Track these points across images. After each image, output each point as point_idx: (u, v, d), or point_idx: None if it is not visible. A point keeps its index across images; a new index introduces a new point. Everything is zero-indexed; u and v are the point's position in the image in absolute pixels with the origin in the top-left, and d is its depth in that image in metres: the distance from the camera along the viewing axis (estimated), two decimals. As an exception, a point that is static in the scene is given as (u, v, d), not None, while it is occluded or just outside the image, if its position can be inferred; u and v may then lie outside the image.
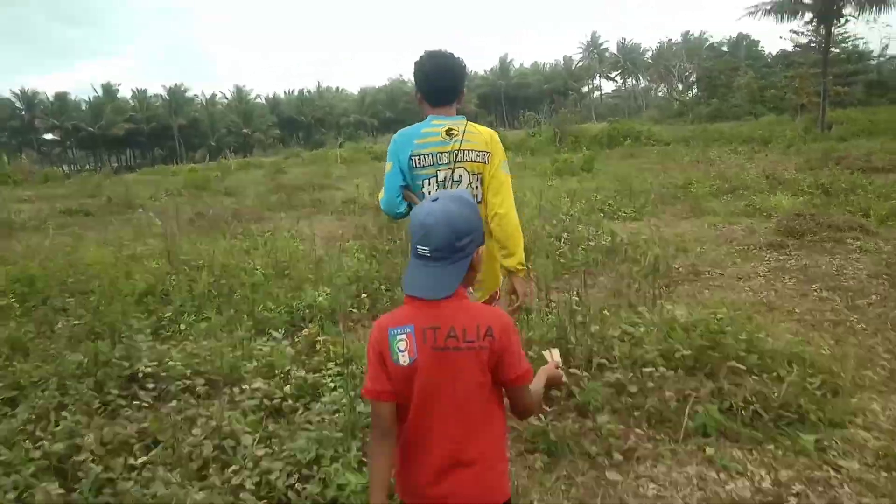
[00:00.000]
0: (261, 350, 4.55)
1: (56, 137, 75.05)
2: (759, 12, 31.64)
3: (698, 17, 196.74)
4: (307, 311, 5.63)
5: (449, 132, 2.58)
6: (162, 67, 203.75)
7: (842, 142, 25.02)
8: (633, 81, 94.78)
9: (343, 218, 12.52)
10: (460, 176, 2.59)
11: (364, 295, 5.89)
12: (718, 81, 60.81)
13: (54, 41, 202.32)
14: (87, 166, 76.11)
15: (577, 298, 4.74)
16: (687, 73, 78.87)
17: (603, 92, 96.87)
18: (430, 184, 2.59)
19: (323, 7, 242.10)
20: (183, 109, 76.40)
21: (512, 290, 2.71)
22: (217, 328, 5.14)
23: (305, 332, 4.74)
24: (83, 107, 74.76)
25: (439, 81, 2.64)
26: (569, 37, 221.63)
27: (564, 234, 8.39)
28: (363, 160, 35.55)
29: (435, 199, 1.65)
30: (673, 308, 4.58)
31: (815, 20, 31.22)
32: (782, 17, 31.98)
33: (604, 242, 7.79)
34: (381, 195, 2.72)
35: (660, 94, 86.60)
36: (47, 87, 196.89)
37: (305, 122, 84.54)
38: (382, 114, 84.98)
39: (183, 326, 5.38)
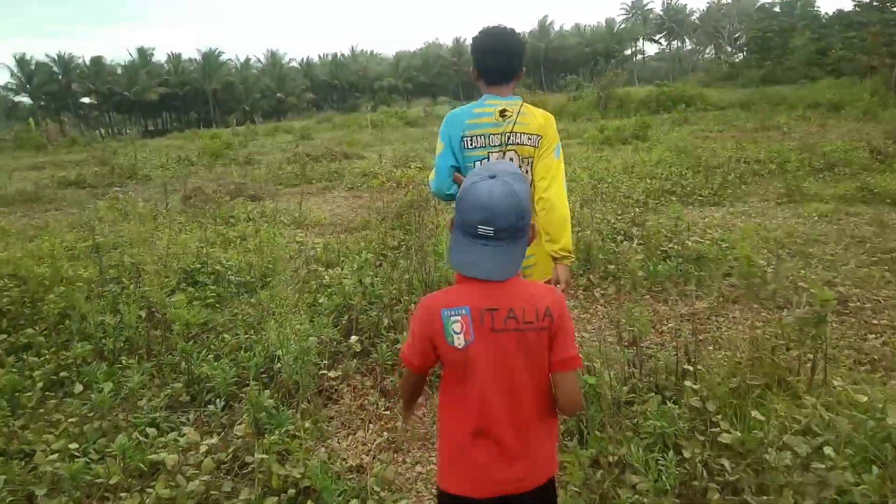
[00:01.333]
0: (159, 454, 2.68)
1: (93, 101, 74.31)
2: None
3: None
4: (264, 368, 3.73)
5: (503, 113, 2.45)
6: (197, 32, 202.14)
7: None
8: (679, 44, 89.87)
9: (358, 195, 10.60)
10: (511, 159, 2.47)
11: (355, 338, 3.94)
12: (772, 43, 56.91)
13: (91, 2, 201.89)
14: (126, 130, 75.72)
15: (687, 366, 2.80)
16: (737, 35, 74.27)
17: (646, 55, 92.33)
18: (480, 165, 2.37)
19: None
20: (217, 74, 74.76)
21: (555, 278, 2.52)
22: (106, 404, 3.26)
23: (239, 427, 2.84)
24: (118, 71, 73.70)
25: (497, 60, 2.48)
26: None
27: (634, 230, 6.32)
28: (394, 125, 33.49)
29: (493, 176, 1.52)
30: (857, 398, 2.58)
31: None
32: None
33: (690, 243, 5.70)
34: (432, 176, 2.59)
35: (707, 56, 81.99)
36: (85, 49, 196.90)
37: (339, 86, 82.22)
38: (417, 78, 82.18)
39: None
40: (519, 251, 1.55)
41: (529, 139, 2.46)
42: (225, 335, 4.28)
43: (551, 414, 1.65)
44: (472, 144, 2.46)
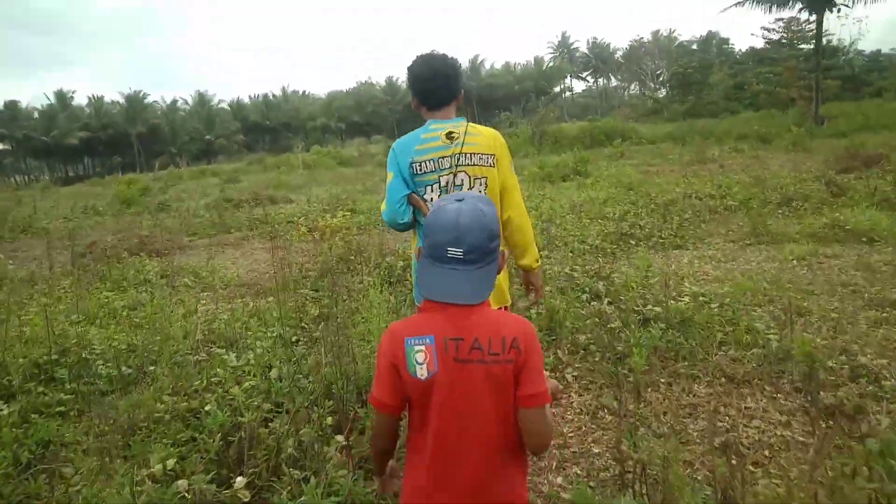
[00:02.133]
0: None
1: (7, 147, 70.11)
2: (749, 2, 29.21)
3: (667, 17, 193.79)
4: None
5: (449, 135, 2.43)
6: (122, 76, 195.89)
7: (842, 137, 22.68)
8: (605, 81, 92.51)
9: (281, 247, 9.34)
10: (462, 180, 2.44)
11: (242, 480, 2.70)
12: (693, 79, 58.93)
13: (9, 49, 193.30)
14: (43, 176, 71.67)
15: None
16: (659, 72, 76.89)
17: (574, 92, 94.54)
18: (432, 190, 2.44)
19: (287, 11, 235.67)
20: (142, 116, 71.85)
21: (528, 286, 2.68)
22: None
23: None
24: (35, 115, 69.92)
25: (434, 84, 2.48)
26: (539, 37, 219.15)
27: (600, 285, 5.34)
28: (328, 165, 32.30)
29: (461, 199, 1.51)
30: None
31: (807, 9, 28.70)
32: (771, 7, 29.65)
33: (675, 302, 4.74)
34: (384, 207, 2.52)
35: (632, 92, 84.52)
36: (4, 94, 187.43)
37: (271, 127, 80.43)
38: (350, 118, 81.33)
39: None
40: (490, 276, 1.50)
41: (482, 158, 2.44)
42: (64, 470, 3.00)
43: (520, 450, 1.54)
44: (421, 170, 2.42)
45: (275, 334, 4.81)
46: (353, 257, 6.49)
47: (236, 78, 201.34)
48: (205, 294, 6.84)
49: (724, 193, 10.12)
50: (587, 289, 5.28)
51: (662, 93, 71.76)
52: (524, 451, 1.57)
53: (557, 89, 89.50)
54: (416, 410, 1.52)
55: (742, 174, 13.08)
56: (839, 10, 28.41)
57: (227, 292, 6.92)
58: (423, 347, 1.44)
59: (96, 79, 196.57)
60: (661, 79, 76.55)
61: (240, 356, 4.20)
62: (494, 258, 1.52)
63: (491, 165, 2.46)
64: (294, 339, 4.78)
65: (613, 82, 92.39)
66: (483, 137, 2.47)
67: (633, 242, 7.44)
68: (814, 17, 28.73)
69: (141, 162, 67.60)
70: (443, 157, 2.42)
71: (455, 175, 2.42)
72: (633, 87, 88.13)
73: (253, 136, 79.87)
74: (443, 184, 2.44)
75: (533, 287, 2.68)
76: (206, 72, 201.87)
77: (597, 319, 4.55)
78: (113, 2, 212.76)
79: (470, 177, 2.44)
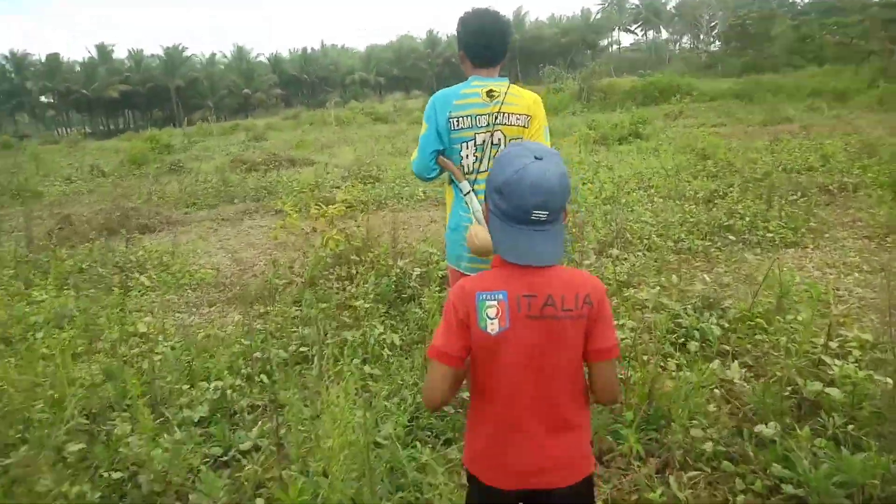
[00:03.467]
0: None
1: (49, 100, 70.04)
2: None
3: None
4: None
5: (490, 94, 2.36)
6: (162, 29, 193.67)
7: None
8: (655, 34, 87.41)
9: (281, 230, 7.69)
10: (499, 140, 2.38)
11: None
12: (752, 31, 54.80)
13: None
14: (85, 129, 71.60)
15: None
16: (713, 24, 72.05)
17: (622, 46, 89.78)
18: (467, 147, 2.39)
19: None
20: (181, 70, 70.68)
21: None
22: None
23: None
24: (77, 69, 69.40)
25: (484, 41, 2.40)
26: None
27: (712, 321, 3.51)
28: (362, 121, 30.44)
29: (539, 158, 1.42)
30: None
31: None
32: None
33: (842, 364, 2.86)
34: (414, 156, 2.48)
35: (685, 46, 79.80)
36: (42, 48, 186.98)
37: (309, 81, 78.44)
38: (390, 72, 78.81)
39: None
40: (562, 232, 1.50)
41: (518, 119, 2.38)
42: None
43: (585, 407, 1.53)
44: (458, 125, 2.37)
45: (217, 394, 3.16)
46: (354, 257, 4.76)
47: (275, 32, 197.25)
48: (166, 298, 5.22)
49: (831, 166, 8.02)
50: (688, 329, 3.44)
51: (716, 46, 67.42)
52: (588, 412, 1.55)
53: (605, 43, 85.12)
54: (482, 368, 1.47)
55: (836, 139, 10.86)
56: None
57: (194, 297, 5.28)
58: (495, 303, 1.40)
59: (138, 32, 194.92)
60: (715, 31, 71.84)
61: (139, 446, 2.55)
62: (564, 214, 1.50)
63: (526, 126, 2.39)
64: (241, 406, 3.11)
65: (664, 35, 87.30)
66: (523, 99, 2.39)
67: (732, 238, 5.50)
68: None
69: (179, 115, 66.76)
70: (480, 115, 2.35)
71: (492, 134, 2.36)
72: (685, 40, 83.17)
73: (291, 89, 78.15)
74: (478, 141, 2.38)
75: None
76: (246, 26, 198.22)
77: (725, 401, 2.75)
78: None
79: (506, 137, 2.37)
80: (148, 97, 71.10)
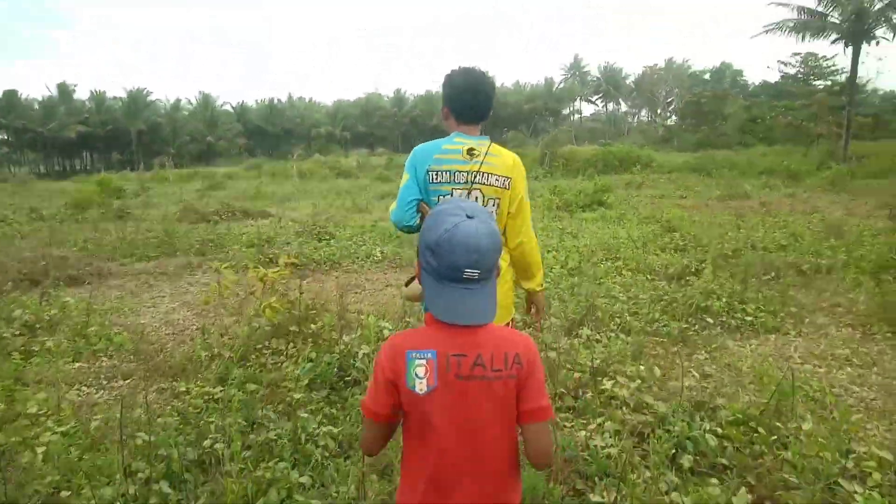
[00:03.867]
0: None
1: (4, 137, 67.90)
2: (781, 29, 27.15)
3: (682, 43, 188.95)
4: None
5: (470, 152, 2.39)
6: (127, 71, 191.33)
7: (875, 178, 20.74)
8: (615, 106, 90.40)
9: (215, 296, 7.04)
10: (476, 198, 2.39)
11: None
12: (707, 108, 57.03)
13: (18, 40, 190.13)
14: (39, 168, 69.48)
15: None
16: (670, 100, 74.95)
17: (583, 115, 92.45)
18: (444, 201, 2.31)
19: (298, 19, 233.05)
20: (143, 114, 69.66)
21: (531, 307, 2.67)
22: None
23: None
24: (35, 106, 67.71)
25: (470, 99, 2.43)
26: (550, 58, 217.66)
27: (705, 425, 3.02)
28: (325, 175, 29.99)
29: (471, 216, 1.42)
30: None
31: (842, 40, 26.63)
32: (804, 37, 27.57)
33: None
34: (393, 207, 2.47)
35: (642, 119, 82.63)
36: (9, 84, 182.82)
37: (274, 132, 78.16)
38: (355, 128, 79.14)
39: None
40: (494, 289, 1.47)
41: (498, 179, 2.39)
42: None
43: (516, 468, 1.51)
44: (437, 179, 2.39)
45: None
46: (294, 328, 4.17)
47: (242, 82, 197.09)
48: (74, 367, 4.50)
49: (801, 246, 7.81)
50: (687, 440, 2.93)
51: (672, 121, 69.79)
52: (519, 474, 1.53)
53: (566, 111, 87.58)
54: (414, 419, 1.44)
55: (797, 216, 10.83)
56: (878, 43, 26.34)
57: (108, 366, 4.57)
58: (423, 362, 1.39)
59: (100, 76, 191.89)
60: (671, 107, 74.65)
61: None
62: (495, 274, 1.48)
63: (506, 188, 2.40)
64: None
65: (623, 108, 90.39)
66: (502, 159, 2.41)
67: (710, 320, 5.09)
68: (840, 51, 26.73)
69: (140, 159, 65.39)
70: (459, 171, 2.37)
71: (469, 192, 2.38)
72: (643, 113, 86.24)
73: (255, 139, 77.64)
74: (454, 197, 2.36)
75: (536, 308, 2.67)
76: (212, 75, 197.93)
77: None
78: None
79: (483, 196, 2.39)
80: (107, 139, 69.56)
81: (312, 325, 4.22)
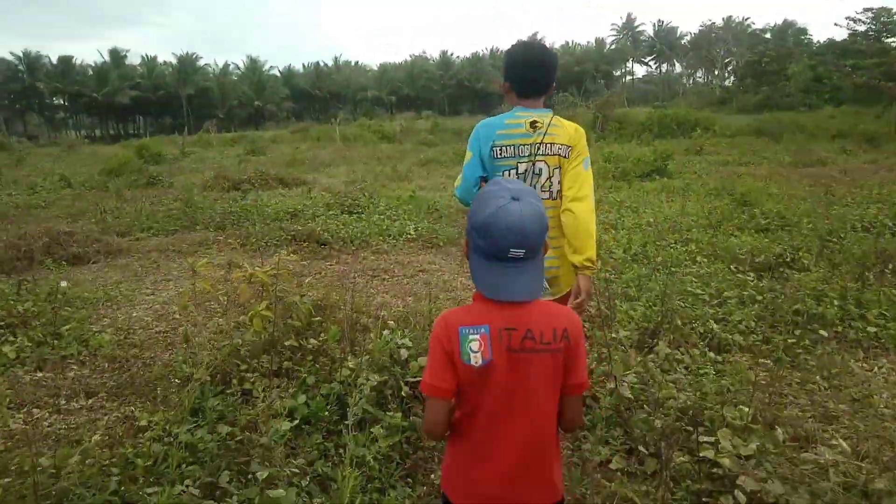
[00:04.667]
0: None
1: (59, 102, 69.12)
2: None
3: (740, 2, 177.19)
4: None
5: (533, 124, 2.35)
6: (177, 37, 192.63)
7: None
8: (668, 67, 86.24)
9: (239, 264, 6.19)
10: (540, 169, 2.36)
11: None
12: (769, 68, 53.58)
13: (78, 7, 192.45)
14: (95, 132, 70.80)
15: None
16: (728, 60, 70.94)
17: (635, 76, 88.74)
18: (509, 175, 2.37)
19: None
20: (192, 79, 69.76)
21: (576, 290, 2.40)
22: None
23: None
24: (89, 72, 68.53)
25: (531, 73, 2.38)
26: (601, 18, 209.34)
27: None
28: (368, 139, 29.07)
29: (516, 198, 1.42)
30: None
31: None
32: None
33: None
34: (458, 182, 2.51)
35: (698, 80, 78.70)
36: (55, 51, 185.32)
37: (321, 96, 77.43)
38: (401, 91, 77.78)
39: None
40: (541, 266, 1.50)
41: (560, 149, 2.35)
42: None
43: (556, 435, 1.55)
44: (501, 154, 2.36)
45: None
46: (293, 342, 3.23)
47: (290, 46, 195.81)
48: (35, 378, 3.69)
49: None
50: None
51: (730, 82, 66.16)
52: (558, 440, 1.58)
53: (617, 73, 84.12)
54: (468, 395, 1.47)
55: (892, 187, 9.36)
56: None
57: (74, 377, 3.75)
58: (477, 336, 1.42)
59: (152, 41, 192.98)
60: (729, 67, 70.78)
61: None
62: (543, 250, 1.51)
63: (567, 157, 2.36)
64: None
65: (677, 69, 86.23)
66: (565, 130, 2.37)
67: (823, 332, 3.95)
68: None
69: (190, 124, 65.81)
70: (523, 145, 2.34)
71: (534, 164, 2.35)
72: (698, 74, 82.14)
73: (302, 104, 77.18)
74: (521, 170, 2.37)
75: (580, 290, 2.37)
76: (262, 39, 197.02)
77: None
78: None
79: (549, 166, 2.36)
80: (159, 104, 70.19)
81: (313, 341, 3.28)
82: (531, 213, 1.40)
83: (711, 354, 3.60)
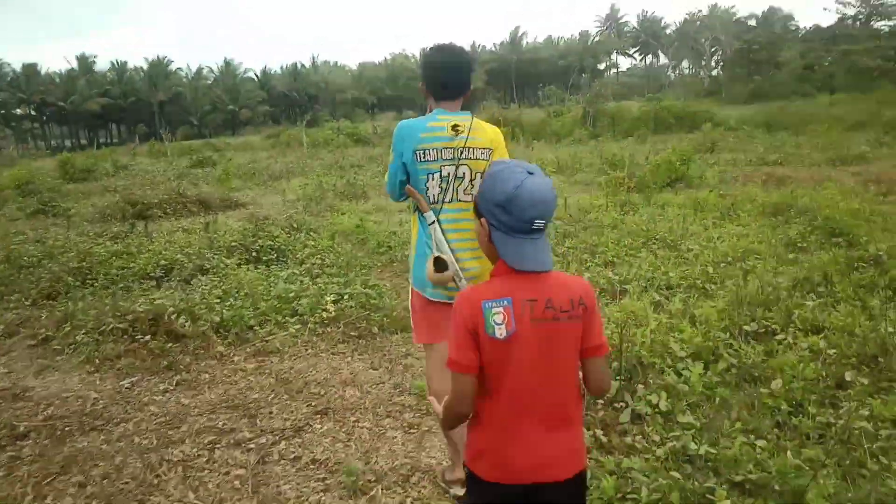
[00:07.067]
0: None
1: (26, 112, 65.50)
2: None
3: None
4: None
5: (455, 128, 2.33)
6: (148, 42, 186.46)
7: None
8: (653, 58, 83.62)
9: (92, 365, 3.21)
10: (463, 173, 2.36)
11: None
12: (759, 56, 51.12)
13: (52, 14, 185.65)
14: (67, 143, 67.22)
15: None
16: (714, 49, 68.43)
17: (619, 69, 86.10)
18: (432, 178, 2.35)
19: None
20: (164, 84, 66.32)
21: None
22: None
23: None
24: (56, 80, 64.95)
25: (447, 76, 2.37)
26: (585, 10, 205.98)
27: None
28: (340, 143, 26.15)
29: (531, 172, 1.49)
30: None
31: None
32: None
33: None
34: (386, 178, 2.50)
35: (684, 71, 76.12)
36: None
37: (299, 99, 74.15)
38: (382, 91, 74.69)
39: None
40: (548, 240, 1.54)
41: (482, 153, 2.37)
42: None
43: (580, 402, 1.59)
44: (424, 157, 2.33)
45: None
46: None
47: (266, 48, 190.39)
48: None
49: None
50: None
51: (718, 72, 63.66)
52: (582, 407, 1.61)
53: (602, 67, 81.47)
54: (489, 372, 1.49)
55: None
56: None
57: None
58: (500, 309, 1.44)
59: (120, 47, 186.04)
60: (716, 57, 68.27)
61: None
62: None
63: (488, 160, 2.36)
64: None
65: (662, 60, 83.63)
66: (485, 133, 2.38)
67: None
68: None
69: (163, 131, 62.58)
70: (446, 148, 2.32)
71: (457, 167, 2.34)
72: (683, 65, 79.59)
73: (280, 106, 73.91)
74: (444, 174, 2.35)
75: None
76: (236, 41, 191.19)
77: None
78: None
79: (471, 170, 2.36)
80: (131, 111, 66.69)
81: None
82: (548, 183, 1.48)
83: None
